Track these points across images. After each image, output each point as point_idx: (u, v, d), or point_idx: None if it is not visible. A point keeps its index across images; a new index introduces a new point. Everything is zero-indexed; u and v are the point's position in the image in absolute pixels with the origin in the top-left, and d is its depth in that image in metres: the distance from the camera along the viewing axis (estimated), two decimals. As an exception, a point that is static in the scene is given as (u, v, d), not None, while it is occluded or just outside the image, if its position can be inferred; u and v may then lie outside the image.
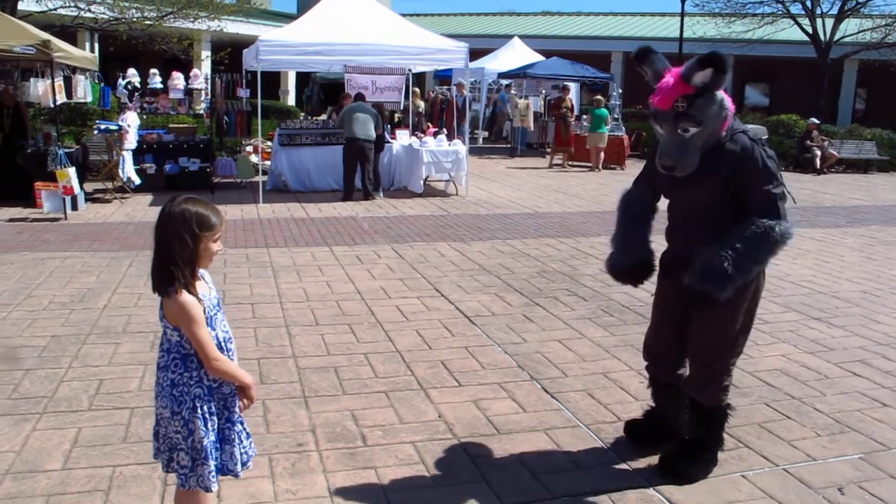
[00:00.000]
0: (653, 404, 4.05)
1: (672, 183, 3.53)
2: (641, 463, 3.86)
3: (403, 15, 14.49)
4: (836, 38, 24.90)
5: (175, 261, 2.61)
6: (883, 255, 9.30)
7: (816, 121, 20.29)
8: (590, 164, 18.62)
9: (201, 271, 2.75)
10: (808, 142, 19.71)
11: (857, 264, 8.74)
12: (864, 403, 4.72)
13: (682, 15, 24.85)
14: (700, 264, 3.35)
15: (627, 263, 3.78)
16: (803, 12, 25.15)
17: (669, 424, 3.92)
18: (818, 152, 19.56)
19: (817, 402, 4.71)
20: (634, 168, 19.00)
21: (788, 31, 26.36)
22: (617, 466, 3.84)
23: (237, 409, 2.83)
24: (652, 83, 3.47)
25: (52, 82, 10.98)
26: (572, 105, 19.50)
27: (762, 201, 3.34)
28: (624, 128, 20.48)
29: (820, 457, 3.99)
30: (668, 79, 3.38)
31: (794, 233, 3.35)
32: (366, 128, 12.41)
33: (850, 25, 25.43)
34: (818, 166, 19.44)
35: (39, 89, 11.64)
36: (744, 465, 3.87)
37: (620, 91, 22.85)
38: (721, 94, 3.37)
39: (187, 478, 2.75)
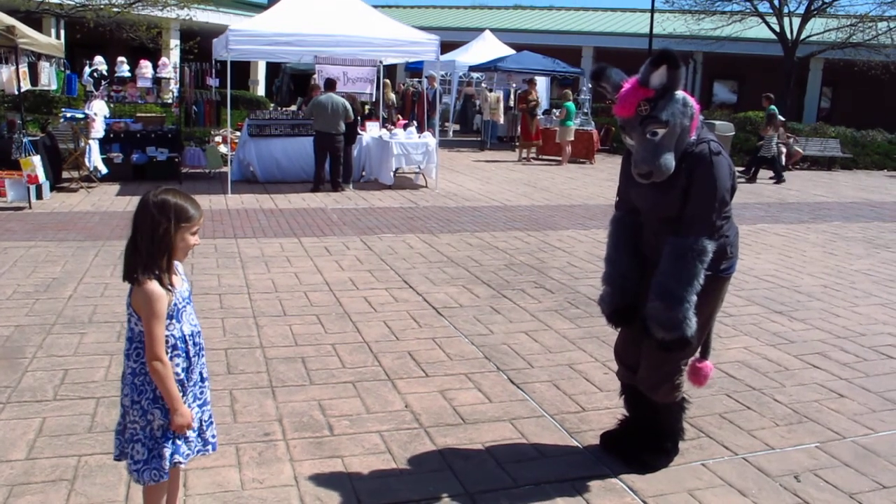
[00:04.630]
0: (626, 413, 4.02)
1: (643, 193, 3.52)
2: (604, 452, 3.93)
3: (375, 6, 14.43)
4: (803, 37, 25.24)
5: (150, 250, 2.61)
6: (844, 251, 9.49)
7: (782, 118, 20.56)
8: (559, 158, 18.73)
9: (175, 263, 2.73)
10: (774, 139, 19.99)
11: (819, 259, 8.91)
12: (821, 394, 4.83)
13: (653, 11, 25.03)
14: (651, 317, 3.40)
15: (607, 311, 3.77)
16: (771, 11, 25.46)
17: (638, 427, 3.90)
18: (784, 149, 19.84)
19: (777, 393, 4.81)
20: (603, 163, 19.18)
21: (756, 30, 26.68)
22: (580, 455, 3.91)
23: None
24: (613, 97, 3.46)
25: (17, 69, 10.82)
26: (538, 99, 19.55)
27: (694, 214, 3.35)
28: (593, 122, 20.62)
29: (778, 446, 4.08)
30: (627, 86, 3.38)
31: (710, 250, 3.34)
32: (335, 121, 12.37)
33: (816, 25, 25.80)
34: (783, 163, 19.72)
35: (3, 76, 11.46)
36: (704, 453, 3.95)
37: (590, 86, 22.97)
38: (682, 92, 3.37)
39: (140, 472, 2.72)
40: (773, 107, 17.50)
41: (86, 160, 11.78)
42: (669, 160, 3.33)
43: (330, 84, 12.90)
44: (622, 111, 3.37)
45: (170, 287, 2.66)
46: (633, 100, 3.32)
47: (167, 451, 2.72)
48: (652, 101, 3.29)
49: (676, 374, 3.65)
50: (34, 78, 12.13)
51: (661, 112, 3.28)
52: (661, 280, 3.38)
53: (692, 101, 3.41)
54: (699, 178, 3.35)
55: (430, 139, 13.72)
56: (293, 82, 24.44)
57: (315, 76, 14.89)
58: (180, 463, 2.79)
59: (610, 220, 3.85)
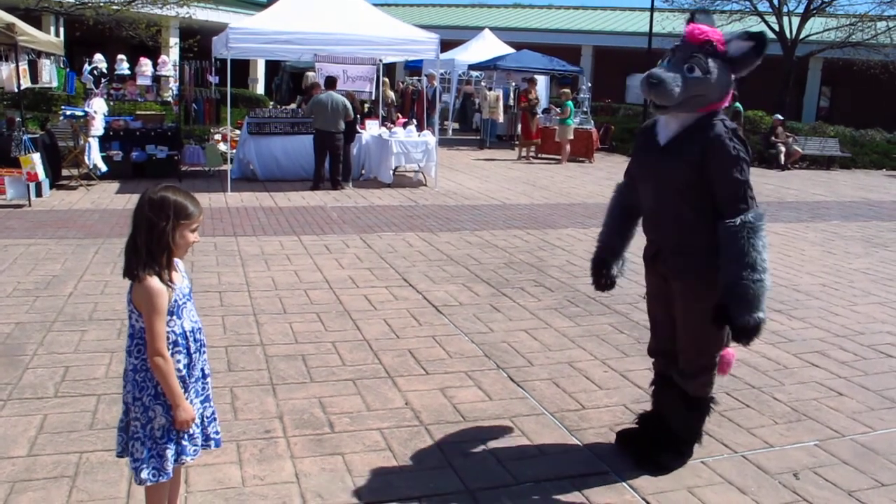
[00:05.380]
0: (646, 409, 4.03)
1: (647, 160, 3.59)
2: (604, 449, 3.95)
3: (375, 5, 14.42)
4: (802, 36, 25.26)
5: (150, 248, 2.61)
6: (842, 250, 9.50)
7: (781, 117, 20.59)
8: (559, 157, 18.72)
9: (175, 260, 2.74)
10: (773, 138, 20.03)
11: (818, 258, 8.93)
12: (820, 393, 4.85)
13: (652, 10, 25.02)
14: (734, 302, 3.29)
15: (594, 265, 3.95)
16: (770, 10, 25.47)
17: (660, 423, 3.87)
18: (783, 148, 19.89)
19: (776, 392, 4.83)
20: (603, 162, 19.17)
21: (755, 29, 26.67)
22: (580, 453, 3.92)
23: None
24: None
25: (17, 66, 10.82)
26: (538, 98, 19.55)
27: (730, 190, 3.35)
28: (593, 121, 20.61)
29: (777, 444, 4.10)
30: (716, 30, 3.48)
31: (763, 212, 3.38)
32: (335, 120, 12.37)
33: (815, 24, 25.82)
34: (782, 162, 19.76)
35: (3, 73, 11.46)
36: (704, 451, 3.95)
37: (590, 85, 22.99)
38: (733, 78, 3.47)
39: (138, 471, 2.71)
40: (738, 104, 17.45)
41: (85, 158, 11.77)
42: (679, 89, 3.37)
43: (330, 82, 12.88)
44: (691, 35, 3.44)
45: (170, 283, 2.67)
46: (707, 36, 3.41)
47: (169, 452, 2.72)
48: (713, 54, 3.40)
49: (713, 366, 3.67)
50: (34, 75, 12.13)
51: (712, 66, 3.38)
52: (730, 268, 3.31)
53: (733, 91, 3.54)
54: (724, 158, 3.37)
55: (429, 138, 13.72)
56: (293, 80, 24.43)
57: (311, 74, 14.88)
58: (185, 462, 2.80)
59: (615, 187, 4.01)
